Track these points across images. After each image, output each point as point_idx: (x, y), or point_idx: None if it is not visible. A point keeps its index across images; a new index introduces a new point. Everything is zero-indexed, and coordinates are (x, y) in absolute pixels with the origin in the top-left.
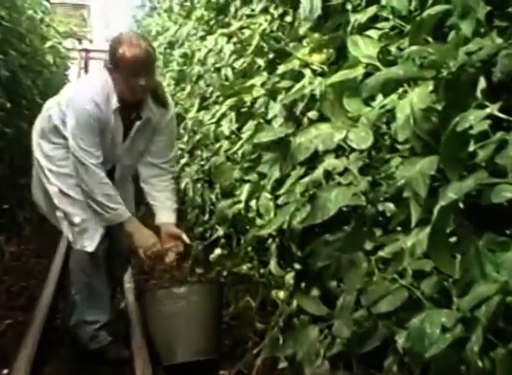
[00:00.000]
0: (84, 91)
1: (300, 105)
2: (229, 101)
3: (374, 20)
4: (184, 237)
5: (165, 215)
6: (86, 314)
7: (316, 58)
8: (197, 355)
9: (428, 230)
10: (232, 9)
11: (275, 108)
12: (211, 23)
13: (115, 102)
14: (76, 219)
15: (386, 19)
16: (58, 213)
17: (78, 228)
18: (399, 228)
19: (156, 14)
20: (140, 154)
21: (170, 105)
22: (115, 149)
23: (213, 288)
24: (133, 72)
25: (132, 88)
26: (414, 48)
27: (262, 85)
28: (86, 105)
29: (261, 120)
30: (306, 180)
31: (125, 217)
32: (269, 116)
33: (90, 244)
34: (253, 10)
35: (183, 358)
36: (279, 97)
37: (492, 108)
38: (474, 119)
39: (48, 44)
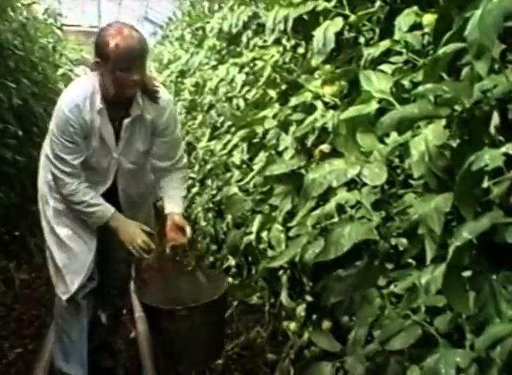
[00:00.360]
0: (65, 96)
1: (312, 138)
2: (241, 132)
3: (386, 54)
4: (187, 229)
5: (171, 204)
6: (62, 366)
7: (328, 91)
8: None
9: (442, 267)
10: (244, 39)
11: (287, 141)
12: (223, 52)
13: (98, 103)
14: (59, 263)
15: (399, 53)
16: (46, 250)
17: (59, 273)
18: (411, 261)
19: (168, 42)
20: (143, 156)
21: (166, 101)
22: (109, 154)
23: (216, 303)
24: (126, 66)
25: (123, 84)
26: (428, 85)
27: (274, 117)
28: (65, 109)
29: (273, 152)
30: (317, 212)
31: (108, 216)
32: (281, 148)
33: (65, 291)
34: (265, 41)
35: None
36: (291, 129)
37: (508, 148)
38: (489, 159)
39: (60, 71)
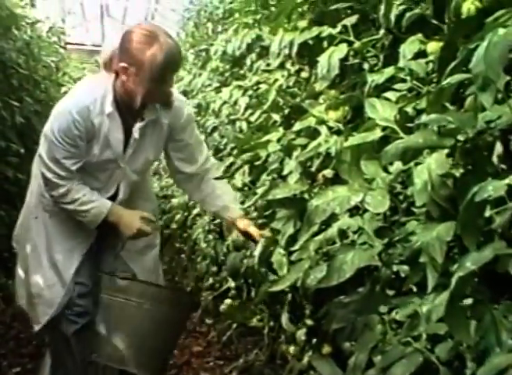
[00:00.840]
0: (72, 96)
1: (316, 163)
2: (245, 156)
3: (390, 81)
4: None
5: (231, 207)
6: None
7: (332, 116)
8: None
9: (444, 295)
10: (248, 62)
11: (291, 165)
12: (226, 74)
13: (109, 106)
14: (34, 289)
15: (403, 80)
16: (19, 271)
17: (32, 299)
18: (412, 287)
19: None
20: (149, 165)
21: (181, 101)
22: (114, 161)
23: (182, 299)
24: (162, 78)
25: (153, 94)
26: (433, 116)
27: (278, 141)
28: (72, 110)
29: (275, 176)
30: (320, 237)
31: (105, 212)
32: (285, 172)
33: (36, 321)
34: (268, 64)
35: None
36: (295, 153)
37: (511, 179)
38: (492, 190)
39: (63, 90)
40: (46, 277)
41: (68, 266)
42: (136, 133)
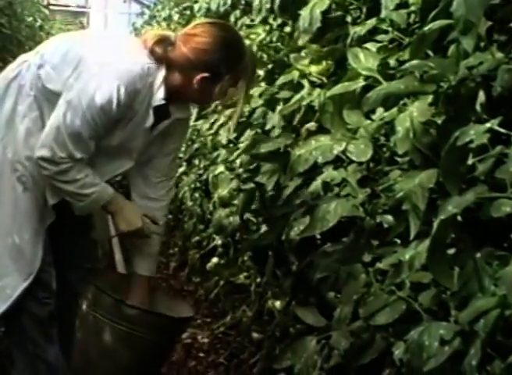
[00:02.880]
0: (120, 64)
1: (298, 116)
2: (228, 112)
3: (373, 33)
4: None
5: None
6: None
7: (315, 70)
8: None
9: (426, 242)
10: (232, 19)
11: (274, 119)
12: None
13: (160, 97)
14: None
15: (385, 32)
16: None
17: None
18: (397, 240)
19: (155, 22)
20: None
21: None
22: (126, 156)
23: (175, 325)
24: (236, 83)
25: (212, 97)
26: (415, 62)
27: (260, 95)
28: (121, 83)
29: (259, 130)
30: (303, 190)
31: (105, 199)
32: (268, 127)
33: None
34: (252, 20)
35: None
36: (278, 108)
37: (492, 123)
38: (474, 134)
39: None
40: (1, 262)
41: (34, 252)
42: (159, 130)
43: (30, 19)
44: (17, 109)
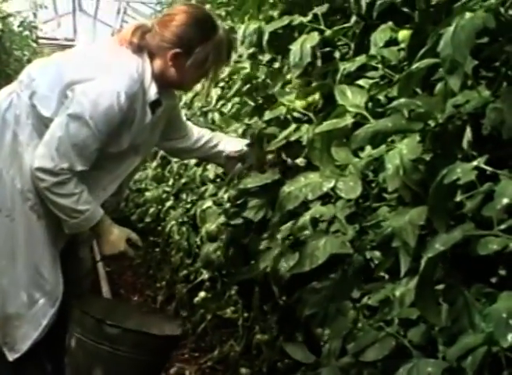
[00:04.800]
0: (116, 74)
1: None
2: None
3: (362, 69)
4: None
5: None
6: None
7: (300, 105)
8: None
9: (416, 279)
10: None
11: None
12: None
13: (153, 93)
14: (11, 309)
15: (375, 68)
16: None
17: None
18: (383, 275)
19: None
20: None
21: None
22: (135, 151)
23: (163, 345)
24: (207, 57)
25: (194, 82)
26: (402, 100)
27: (245, 130)
28: (121, 91)
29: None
30: (289, 225)
31: (97, 219)
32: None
33: (14, 348)
34: (240, 56)
35: None
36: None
37: (479, 161)
38: (461, 172)
39: None
40: (29, 292)
41: (56, 277)
42: (157, 118)
43: (19, 52)
44: (18, 140)
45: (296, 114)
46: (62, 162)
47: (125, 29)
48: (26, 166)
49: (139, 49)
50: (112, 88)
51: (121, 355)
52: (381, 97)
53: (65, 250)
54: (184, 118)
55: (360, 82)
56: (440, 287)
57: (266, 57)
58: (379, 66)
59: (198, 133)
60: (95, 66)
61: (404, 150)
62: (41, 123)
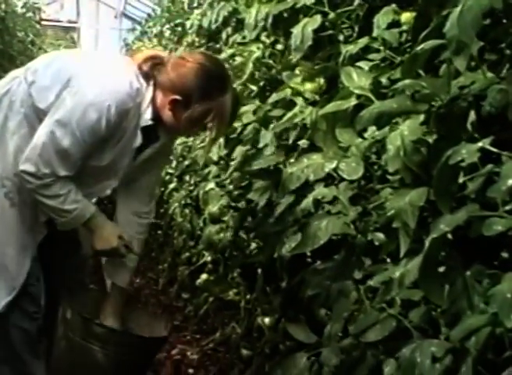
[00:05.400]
0: (110, 85)
1: (293, 134)
2: None
3: (365, 51)
4: None
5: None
6: None
7: (308, 87)
8: None
9: (417, 260)
10: (224, 36)
11: (267, 137)
12: (202, 49)
13: (147, 118)
14: None
15: (377, 51)
16: None
17: None
18: (387, 258)
19: (146, 38)
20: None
21: None
22: (116, 172)
23: (145, 344)
24: (207, 116)
25: (190, 131)
26: (407, 81)
27: (254, 113)
28: (112, 104)
29: (250, 147)
30: (296, 208)
31: (87, 217)
32: (261, 145)
33: None
34: (244, 37)
35: None
36: (271, 125)
37: (484, 142)
38: (466, 153)
39: None
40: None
41: (19, 267)
42: (146, 153)
43: (22, 34)
44: (7, 125)
45: (302, 97)
46: (45, 167)
47: (141, 52)
48: (9, 154)
49: (146, 76)
50: (104, 100)
51: (106, 354)
52: (383, 79)
53: (63, 233)
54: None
55: (362, 64)
56: (442, 269)
57: (270, 39)
58: (381, 48)
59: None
60: (97, 75)
61: (405, 131)
62: (34, 114)
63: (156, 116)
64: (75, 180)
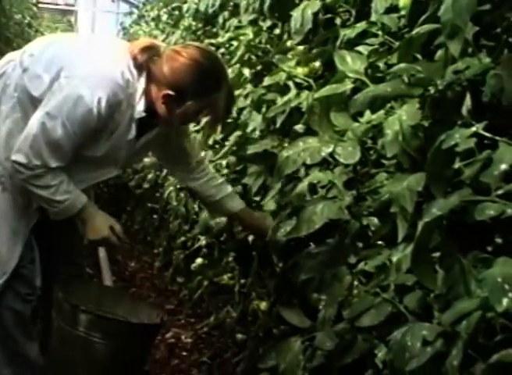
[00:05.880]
0: (101, 75)
1: (281, 118)
2: None
3: (362, 36)
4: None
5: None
6: None
7: (301, 71)
8: None
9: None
10: (221, 20)
11: (257, 121)
12: (199, 33)
13: (140, 110)
14: None
15: (375, 35)
16: None
17: None
18: (381, 242)
19: (144, 22)
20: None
21: None
22: (110, 164)
23: (140, 333)
24: (200, 112)
25: (183, 125)
26: (402, 65)
27: (246, 96)
28: (102, 96)
29: (243, 132)
30: (289, 191)
31: (78, 208)
32: (249, 128)
33: None
34: (240, 21)
35: None
36: (264, 109)
37: (478, 127)
38: (459, 138)
39: None
40: None
41: (10, 252)
42: (143, 140)
43: (19, 16)
44: (0, 109)
45: (297, 81)
46: (36, 159)
47: (139, 41)
48: (1, 138)
49: (140, 67)
50: (94, 92)
51: (96, 342)
52: (380, 64)
53: (65, 231)
54: (195, 152)
55: (360, 48)
56: (437, 254)
57: (267, 23)
58: (379, 32)
59: (207, 173)
60: (90, 65)
61: (404, 116)
62: (28, 100)
63: (150, 107)
64: (71, 167)
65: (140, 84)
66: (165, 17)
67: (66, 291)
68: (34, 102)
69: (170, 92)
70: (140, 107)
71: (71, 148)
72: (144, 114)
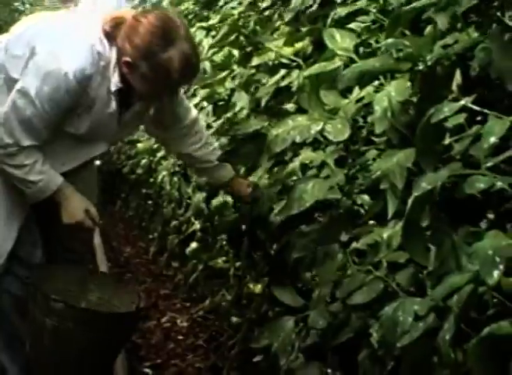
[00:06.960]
0: (68, 51)
1: (266, 98)
2: (203, 92)
3: (353, 14)
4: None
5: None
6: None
7: (289, 51)
8: None
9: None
10: (221, 3)
11: (243, 101)
12: (190, 17)
13: (115, 82)
14: None
15: (366, 13)
16: None
17: None
18: (373, 220)
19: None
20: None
21: None
22: (96, 140)
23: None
24: (172, 88)
25: (154, 99)
26: (390, 40)
27: (233, 77)
28: (69, 72)
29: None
30: (278, 170)
31: (53, 189)
32: (237, 109)
33: None
34: (240, 3)
35: None
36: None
37: (466, 101)
38: (448, 112)
39: None
40: None
41: (4, 235)
42: (130, 113)
43: (18, 3)
44: None
45: (285, 60)
46: (8, 137)
47: (109, 13)
48: None
49: (110, 37)
50: (60, 68)
51: (67, 330)
52: (372, 41)
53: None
54: (187, 112)
55: (353, 26)
56: (429, 232)
57: (265, 3)
58: (372, 10)
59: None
60: (57, 43)
61: (393, 92)
62: (9, 80)
63: (126, 78)
64: (57, 147)
65: (113, 54)
66: (166, 2)
67: (45, 277)
68: (15, 83)
69: (127, 59)
70: (115, 78)
71: (45, 125)
72: (120, 85)
